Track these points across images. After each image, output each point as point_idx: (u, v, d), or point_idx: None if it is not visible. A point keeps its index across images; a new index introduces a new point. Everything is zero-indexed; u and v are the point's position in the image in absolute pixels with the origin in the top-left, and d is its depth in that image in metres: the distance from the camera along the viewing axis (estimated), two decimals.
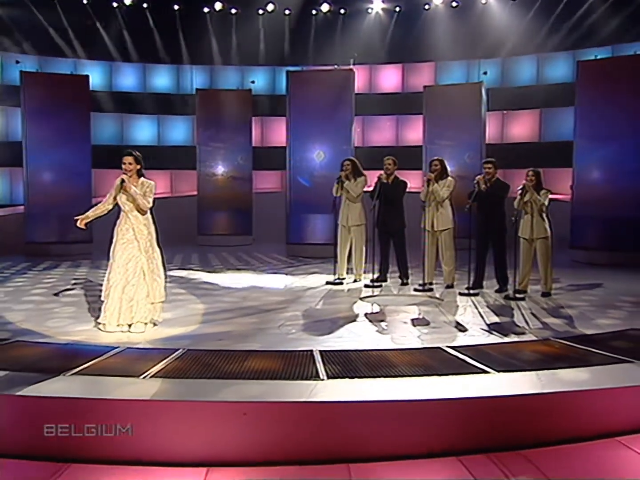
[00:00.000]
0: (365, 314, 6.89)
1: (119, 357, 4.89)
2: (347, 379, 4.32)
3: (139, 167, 5.98)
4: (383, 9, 17.73)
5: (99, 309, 6.17)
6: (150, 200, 5.96)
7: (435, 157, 8.66)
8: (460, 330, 6.05)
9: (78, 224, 6.08)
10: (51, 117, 13.00)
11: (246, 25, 17.98)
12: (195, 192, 15.74)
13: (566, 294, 8.05)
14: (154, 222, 6.12)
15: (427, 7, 17.13)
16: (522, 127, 17.61)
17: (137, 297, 5.89)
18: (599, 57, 12.89)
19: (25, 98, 13.06)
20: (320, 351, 5.03)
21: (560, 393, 4.16)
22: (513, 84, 17.40)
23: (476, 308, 7.13)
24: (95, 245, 12.88)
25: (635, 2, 14.34)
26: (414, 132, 17.13)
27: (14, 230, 13.11)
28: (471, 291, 7.94)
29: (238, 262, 11.74)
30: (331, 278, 8.99)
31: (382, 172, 8.76)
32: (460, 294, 7.96)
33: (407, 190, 8.92)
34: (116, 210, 6.17)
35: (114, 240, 5.98)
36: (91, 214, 6.14)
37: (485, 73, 15.61)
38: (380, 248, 8.94)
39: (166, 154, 17.72)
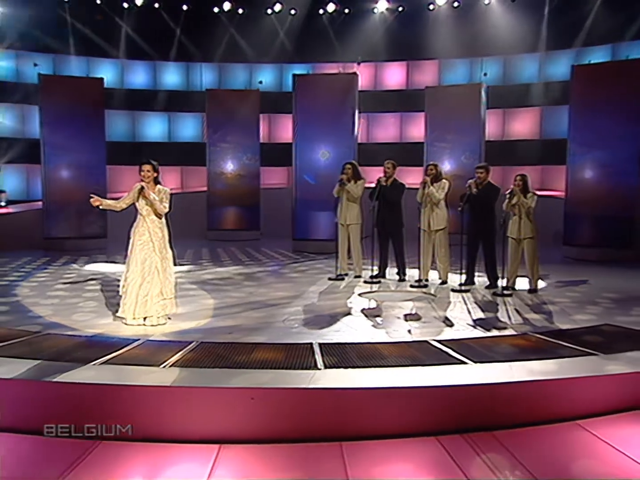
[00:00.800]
0: (362, 309, 7.48)
1: (140, 349, 5.49)
2: (342, 369, 4.92)
3: (155, 175, 6.56)
4: (387, 9, 18.17)
5: (117, 304, 6.80)
6: (167, 205, 6.55)
7: (431, 162, 9.23)
8: (448, 325, 6.64)
9: (92, 201, 6.50)
10: (68, 116, 13.60)
11: (254, 24, 18.44)
12: (205, 188, 16.33)
13: (552, 290, 8.63)
14: (168, 225, 6.71)
15: (431, 7, 17.55)
16: (523, 125, 18.06)
17: (151, 293, 6.50)
18: (592, 61, 13.38)
19: (43, 99, 13.66)
20: (320, 344, 5.62)
21: (528, 382, 4.74)
22: (515, 82, 17.79)
23: (465, 304, 7.72)
24: (109, 241, 13.55)
25: (636, 0, 14.69)
26: (417, 129, 17.58)
27: (33, 225, 13.73)
28: (463, 287, 8.52)
29: (245, 258, 12.33)
30: (333, 275, 9.60)
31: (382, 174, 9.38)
32: (453, 290, 8.54)
33: (408, 187, 9.50)
34: (131, 212, 6.75)
35: (130, 241, 6.58)
36: (106, 202, 6.67)
37: (485, 74, 16.08)
38: (380, 246, 9.52)
39: (176, 150, 18.30)
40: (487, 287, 8.66)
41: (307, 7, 18.10)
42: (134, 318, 6.53)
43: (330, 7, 18.25)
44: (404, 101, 18.44)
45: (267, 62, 18.95)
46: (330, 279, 9.52)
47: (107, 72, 17.62)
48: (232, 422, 4.44)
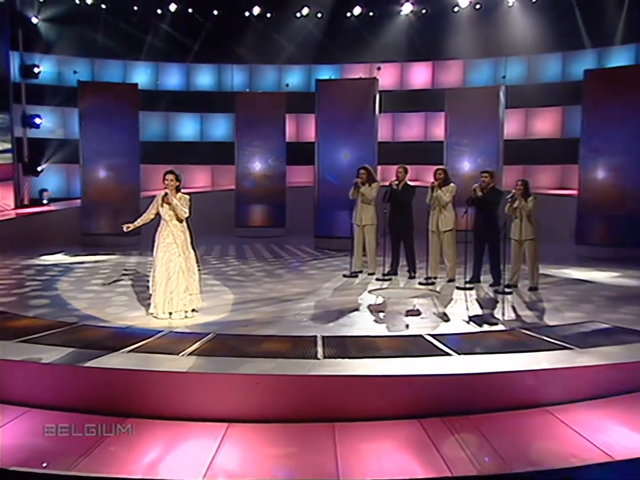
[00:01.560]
0: (369, 305, 8.11)
1: (163, 339, 6.20)
2: (338, 359, 5.55)
3: (177, 183, 7.27)
4: (412, 11, 18.60)
5: (146, 298, 7.56)
6: (187, 210, 7.26)
7: (439, 167, 9.75)
8: (445, 321, 7.24)
9: (124, 229, 7.43)
10: (104, 119, 14.37)
11: (282, 27, 19.04)
12: (233, 186, 17.05)
13: (552, 288, 9.13)
14: (189, 228, 7.42)
15: (455, 9, 17.95)
16: (544, 124, 18.33)
17: (177, 290, 7.25)
18: (615, 62, 13.76)
19: (81, 104, 14.50)
20: (323, 336, 6.25)
21: (504, 372, 5.32)
22: (538, 81, 17.99)
23: (466, 301, 8.30)
24: (142, 237, 14.31)
25: None
26: (440, 129, 17.98)
27: (72, 222, 14.59)
28: (467, 285, 9.08)
29: (269, 255, 13.00)
30: (348, 272, 10.22)
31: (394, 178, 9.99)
32: (458, 287, 9.11)
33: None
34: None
35: (156, 243, 7.34)
36: (136, 222, 7.48)
37: (504, 77, 16.45)
38: (392, 246, 10.12)
39: (208, 149, 19.04)
40: (491, 285, 9.18)
41: (333, 10, 18.66)
42: (163, 313, 7.29)
43: (357, 10, 18.78)
44: (428, 101, 18.81)
45: (295, 63, 19.55)
46: (344, 275, 10.16)
47: (142, 75, 18.51)
48: (239, 403, 5.10)
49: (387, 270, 9.99)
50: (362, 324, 7.08)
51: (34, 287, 9.30)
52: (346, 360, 5.54)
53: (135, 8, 17.93)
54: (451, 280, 9.60)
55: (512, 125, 17.38)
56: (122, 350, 5.67)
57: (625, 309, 7.77)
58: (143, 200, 12.72)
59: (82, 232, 14.58)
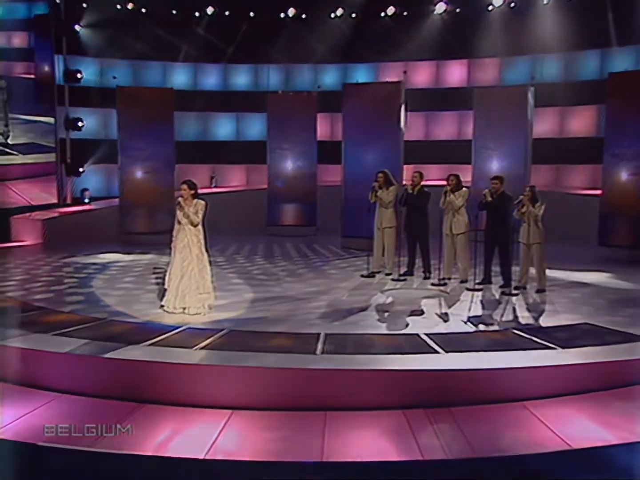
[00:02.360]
0: (377, 305, 8.60)
1: (180, 334, 6.82)
2: (335, 355, 6.08)
3: (192, 192, 7.91)
4: (446, 11, 18.82)
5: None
6: (200, 215, 7.90)
7: (451, 173, 10.10)
8: (444, 321, 7.70)
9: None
10: (141, 122, 15.07)
11: (317, 27, 19.51)
12: (266, 186, 17.61)
13: (559, 291, 9.44)
14: (204, 232, 8.03)
15: (490, 7, 18.09)
16: (580, 122, 18.30)
17: (189, 288, 7.88)
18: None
19: (119, 107, 15.28)
20: (326, 334, 6.79)
21: (485, 369, 5.79)
22: (574, 79, 17.89)
23: (471, 302, 8.72)
24: None
25: None
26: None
27: (111, 221, 15.39)
28: (476, 286, 9.49)
29: (296, 254, 13.53)
30: (365, 272, 10.73)
31: (411, 181, 10.45)
32: (468, 289, 9.52)
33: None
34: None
35: (173, 244, 8.01)
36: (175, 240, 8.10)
37: (533, 77, 16.59)
38: (408, 248, 10.60)
39: (243, 148, 19.62)
40: (500, 287, 9.56)
41: (367, 10, 19.05)
42: (174, 307, 7.95)
43: (390, 10, 19.15)
44: (461, 100, 18.85)
45: (330, 62, 19.99)
46: (362, 276, 10.66)
47: (181, 76, 19.21)
48: (243, 393, 5.71)
49: (403, 270, 10.46)
50: (366, 323, 7.58)
51: (71, 284, 10.05)
52: (342, 355, 6.08)
53: (174, 12, 18.65)
54: (463, 281, 10.02)
55: (546, 124, 17.48)
56: (143, 344, 6.31)
57: (623, 312, 8.07)
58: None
59: (120, 231, 15.33)
